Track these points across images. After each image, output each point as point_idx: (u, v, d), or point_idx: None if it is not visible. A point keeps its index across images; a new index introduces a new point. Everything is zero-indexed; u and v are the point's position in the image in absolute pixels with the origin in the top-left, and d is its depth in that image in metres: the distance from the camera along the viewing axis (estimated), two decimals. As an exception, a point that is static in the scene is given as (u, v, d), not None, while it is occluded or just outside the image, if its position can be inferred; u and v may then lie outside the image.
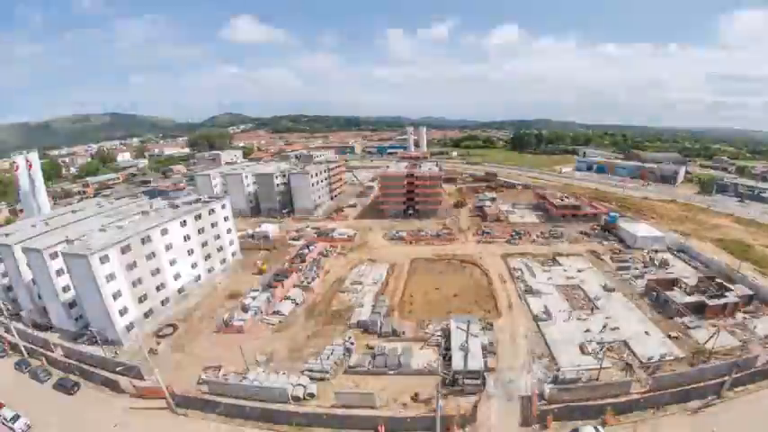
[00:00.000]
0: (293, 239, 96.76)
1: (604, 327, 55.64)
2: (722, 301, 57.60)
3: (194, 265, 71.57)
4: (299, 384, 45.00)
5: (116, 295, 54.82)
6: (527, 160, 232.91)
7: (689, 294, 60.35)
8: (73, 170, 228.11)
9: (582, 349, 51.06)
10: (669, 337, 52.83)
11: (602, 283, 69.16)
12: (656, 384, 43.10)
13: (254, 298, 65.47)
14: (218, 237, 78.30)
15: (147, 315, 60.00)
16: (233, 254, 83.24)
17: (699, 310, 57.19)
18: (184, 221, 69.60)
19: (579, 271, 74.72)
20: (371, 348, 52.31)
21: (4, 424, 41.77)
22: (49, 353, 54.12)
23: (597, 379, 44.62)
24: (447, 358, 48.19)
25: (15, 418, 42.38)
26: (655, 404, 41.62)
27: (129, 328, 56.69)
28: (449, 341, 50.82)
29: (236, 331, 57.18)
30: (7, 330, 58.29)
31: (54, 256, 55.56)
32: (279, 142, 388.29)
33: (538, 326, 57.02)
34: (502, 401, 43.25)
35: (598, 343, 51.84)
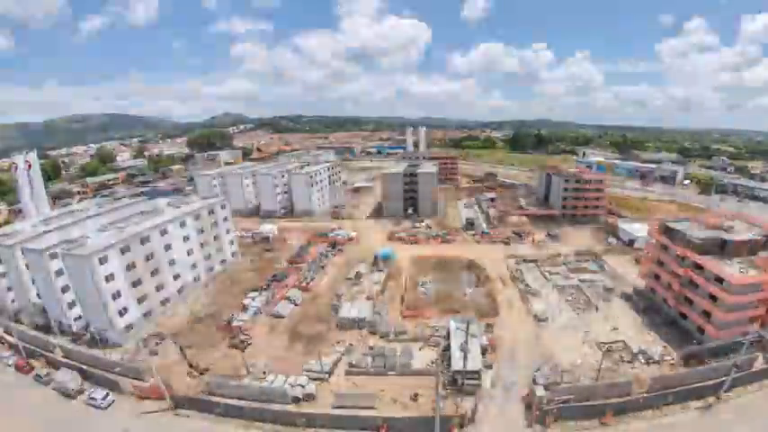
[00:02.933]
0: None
1: (613, 329, 55.69)
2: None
3: (194, 266, 71.59)
4: (299, 385, 44.96)
5: (115, 296, 54.80)
6: (527, 160, 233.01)
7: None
8: (73, 170, 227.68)
9: (581, 350, 50.99)
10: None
11: (601, 283, 69.12)
12: (656, 385, 43.11)
13: (253, 298, 65.48)
14: (217, 237, 78.30)
15: (146, 315, 59.99)
16: (233, 254, 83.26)
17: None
18: (184, 222, 69.58)
19: (579, 271, 74.65)
20: (371, 349, 52.31)
21: None
22: (48, 353, 54.07)
23: (597, 379, 44.65)
24: (447, 358, 48.14)
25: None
26: (654, 405, 41.62)
27: (129, 328, 56.68)
28: (449, 341, 50.76)
29: (236, 330, 57.06)
30: (7, 331, 58.22)
31: (53, 256, 55.52)
32: (278, 142, 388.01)
33: (537, 326, 56.99)
34: (502, 402, 43.23)
35: (597, 343, 51.85)
